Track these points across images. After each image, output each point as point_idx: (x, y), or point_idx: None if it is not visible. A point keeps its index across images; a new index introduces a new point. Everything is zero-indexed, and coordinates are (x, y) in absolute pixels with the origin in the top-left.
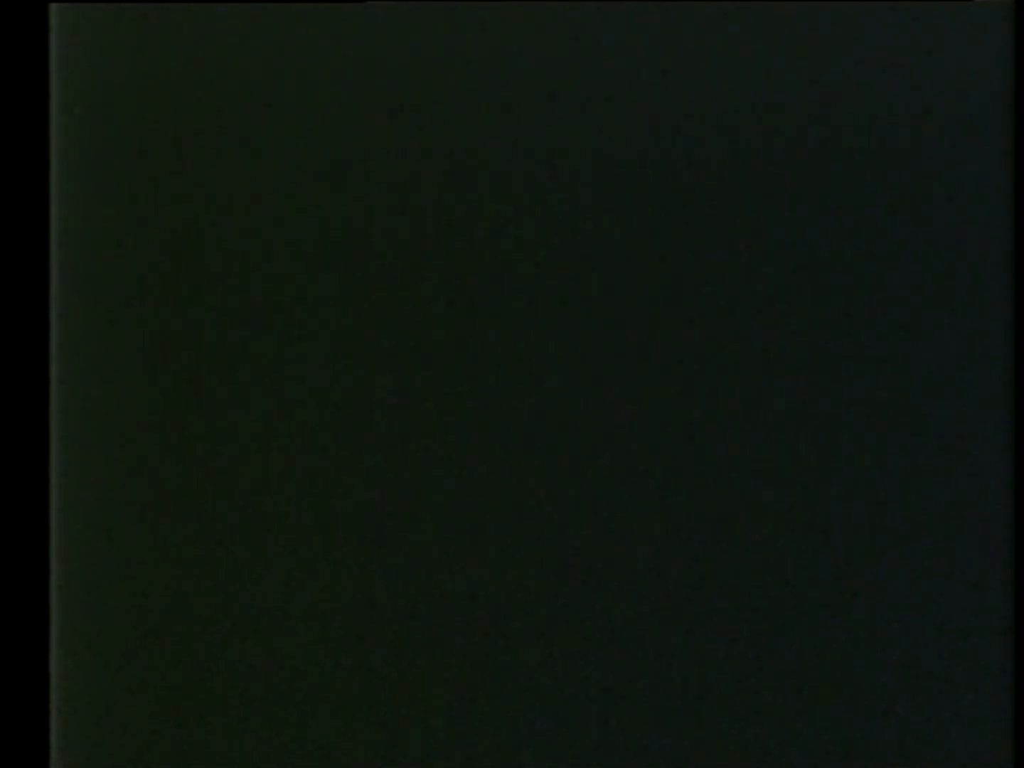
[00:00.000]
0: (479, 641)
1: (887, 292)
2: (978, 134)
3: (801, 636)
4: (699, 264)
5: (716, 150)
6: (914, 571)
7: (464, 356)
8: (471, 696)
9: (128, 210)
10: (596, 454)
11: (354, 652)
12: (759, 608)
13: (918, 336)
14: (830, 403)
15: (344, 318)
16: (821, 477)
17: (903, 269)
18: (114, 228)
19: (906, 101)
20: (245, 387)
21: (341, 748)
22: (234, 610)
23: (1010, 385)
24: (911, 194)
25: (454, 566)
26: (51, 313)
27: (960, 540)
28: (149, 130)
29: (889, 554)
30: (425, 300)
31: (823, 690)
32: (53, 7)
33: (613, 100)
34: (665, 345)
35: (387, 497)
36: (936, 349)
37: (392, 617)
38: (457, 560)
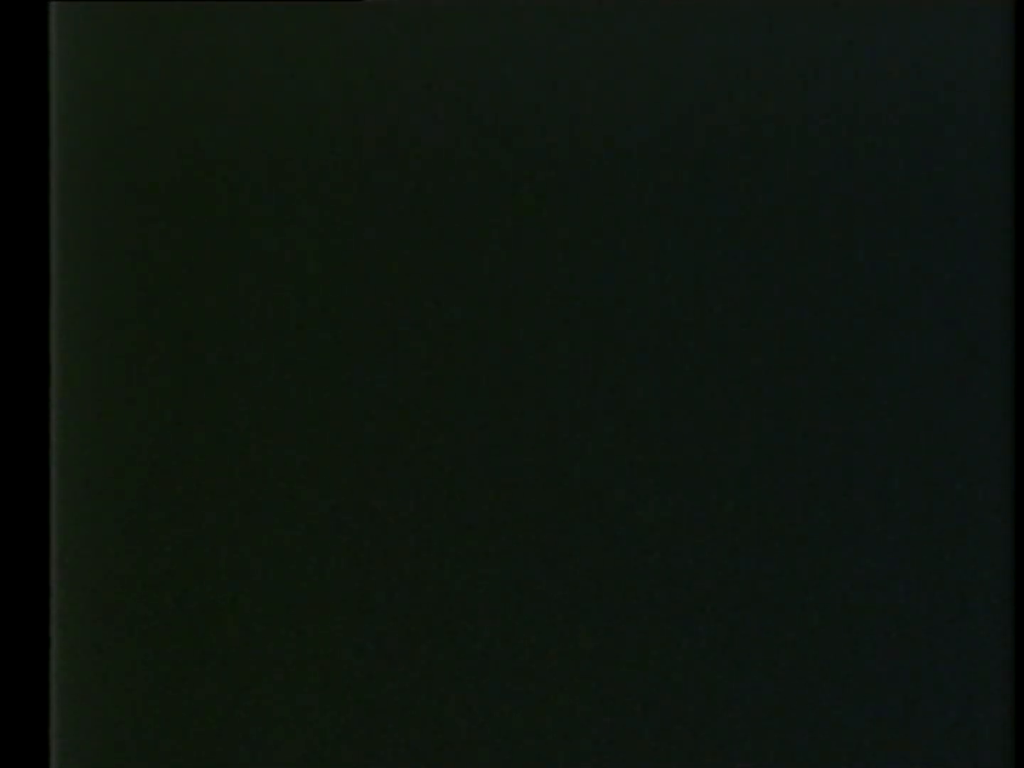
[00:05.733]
0: (478, 641)
1: (887, 291)
2: (978, 134)
3: (800, 636)
4: (697, 265)
5: (715, 150)
6: (914, 571)
7: (463, 356)
8: (470, 696)
9: (128, 209)
10: (597, 454)
11: (354, 653)
12: (759, 607)
13: (918, 336)
14: (829, 403)
15: (344, 318)
16: (821, 476)
17: (903, 268)
18: (114, 227)
19: (906, 101)
20: (245, 387)
21: (340, 748)
22: (234, 610)
23: (1010, 385)
24: (911, 194)
25: (453, 566)
26: (51, 313)
27: (960, 540)
28: (149, 128)
29: (889, 554)
30: (425, 299)
31: (823, 690)
32: (53, 5)
33: (612, 100)
34: (664, 346)
35: (387, 498)
36: (936, 349)
37: (392, 618)
38: (456, 561)
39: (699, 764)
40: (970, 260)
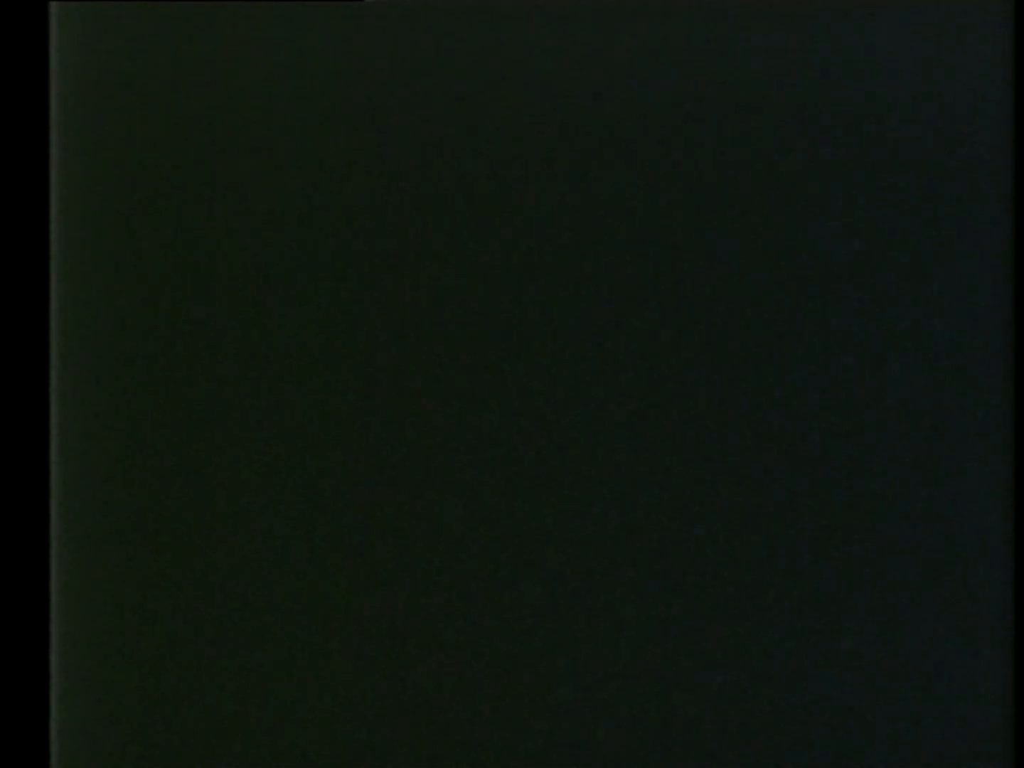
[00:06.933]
0: (477, 643)
1: (887, 292)
2: (978, 134)
3: (800, 636)
4: (698, 265)
5: (715, 151)
6: (914, 572)
7: (463, 358)
8: (469, 697)
9: (128, 210)
10: (597, 456)
11: (354, 653)
12: (759, 608)
13: (917, 335)
14: (829, 403)
15: (345, 318)
16: (820, 477)
17: (902, 269)
18: (114, 227)
19: (906, 101)
20: (245, 387)
21: (340, 748)
22: (234, 611)
23: (1010, 385)
24: (911, 194)
25: (453, 568)
26: (51, 313)
27: (960, 540)
28: (149, 128)
29: (889, 554)
30: (425, 300)
31: (823, 691)
32: (53, 5)
33: (613, 100)
34: (664, 347)
35: (388, 501)
36: (936, 349)
37: (392, 618)
38: (456, 562)
39: (698, 764)
40: (970, 260)
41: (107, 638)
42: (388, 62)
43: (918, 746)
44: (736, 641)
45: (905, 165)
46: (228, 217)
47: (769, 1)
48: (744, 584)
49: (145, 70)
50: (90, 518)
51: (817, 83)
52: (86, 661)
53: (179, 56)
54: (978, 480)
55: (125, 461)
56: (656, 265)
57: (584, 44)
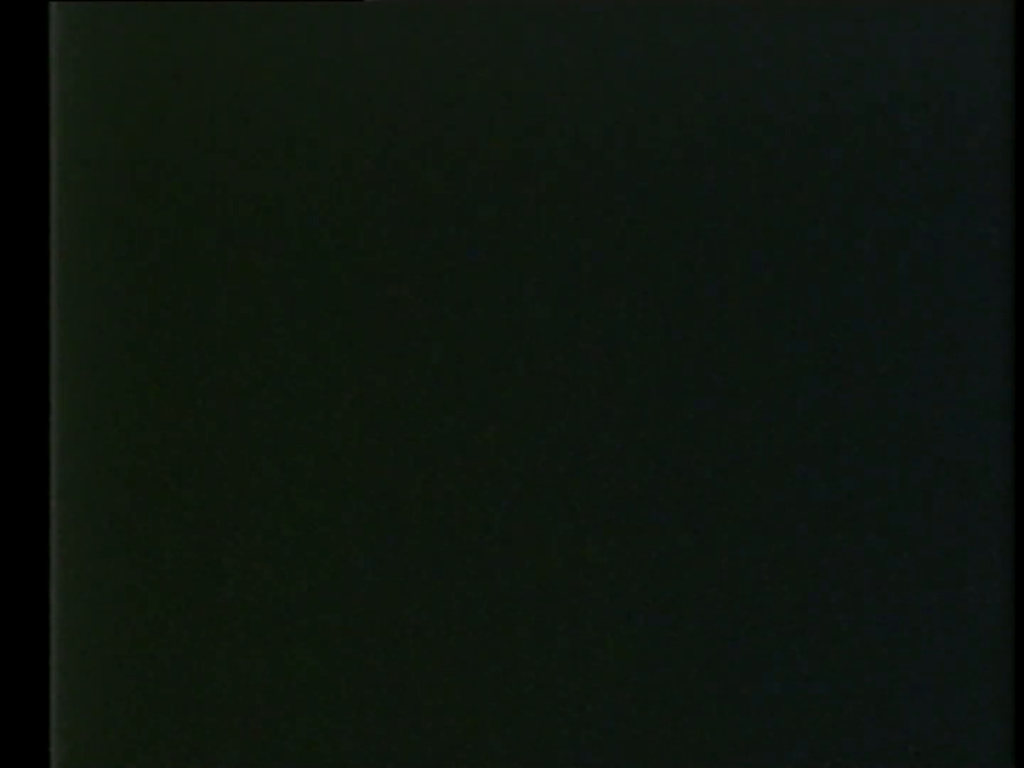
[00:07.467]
0: (476, 643)
1: (886, 293)
2: (978, 134)
3: (800, 637)
4: (698, 266)
5: (715, 151)
6: (914, 572)
7: (462, 358)
8: (469, 697)
9: (128, 209)
10: (595, 459)
11: (353, 654)
12: (759, 609)
13: (917, 337)
14: (829, 404)
15: (345, 319)
16: (820, 477)
17: (902, 269)
18: (114, 227)
19: (906, 101)
20: (245, 387)
21: (339, 748)
22: (234, 612)
23: (1010, 386)
24: (911, 194)
25: (452, 568)
26: (51, 313)
27: (960, 541)
28: (149, 129)
29: (889, 555)
30: (424, 300)
31: (823, 691)
32: (53, 5)
33: (614, 100)
34: (663, 348)
35: (389, 501)
36: (935, 350)
37: (393, 619)
38: (455, 563)
39: (698, 763)
40: (970, 260)
41: (107, 638)
42: (388, 62)
43: (918, 746)
44: (736, 640)
45: (905, 165)
46: (228, 217)
47: (769, 1)
48: (744, 583)
49: (145, 70)
50: (90, 518)
51: (817, 83)
52: (86, 661)
53: (179, 56)
54: (978, 480)
55: (125, 460)
56: (656, 263)
57: (585, 44)
